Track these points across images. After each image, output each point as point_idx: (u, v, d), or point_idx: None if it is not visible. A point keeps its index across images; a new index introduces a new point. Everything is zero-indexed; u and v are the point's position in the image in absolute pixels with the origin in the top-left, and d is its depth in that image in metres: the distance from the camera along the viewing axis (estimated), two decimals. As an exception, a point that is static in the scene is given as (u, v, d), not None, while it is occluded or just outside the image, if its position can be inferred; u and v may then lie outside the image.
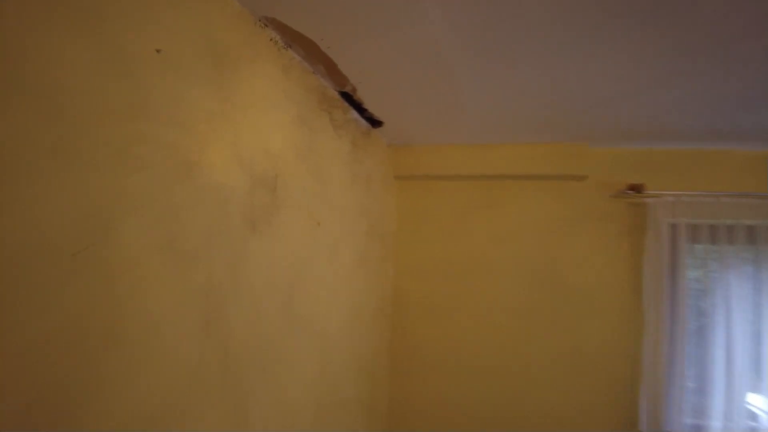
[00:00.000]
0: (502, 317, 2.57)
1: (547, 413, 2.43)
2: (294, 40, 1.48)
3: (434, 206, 2.72)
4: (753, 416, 2.16)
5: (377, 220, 2.44)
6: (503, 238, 2.61)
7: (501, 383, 2.52)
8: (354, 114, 2.07)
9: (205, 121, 1.15)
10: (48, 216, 0.78)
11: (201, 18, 1.14)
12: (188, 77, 1.09)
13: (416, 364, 2.67)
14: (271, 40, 1.42)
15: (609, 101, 1.83)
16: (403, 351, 2.69)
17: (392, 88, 1.83)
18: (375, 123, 2.26)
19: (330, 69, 1.67)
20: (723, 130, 2.11)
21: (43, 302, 0.77)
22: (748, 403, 2.15)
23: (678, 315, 2.24)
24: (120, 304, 0.92)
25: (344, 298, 2.03)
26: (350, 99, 1.95)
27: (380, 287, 2.53)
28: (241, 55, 1.29)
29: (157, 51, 1.00)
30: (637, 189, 2.37)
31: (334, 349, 1.92)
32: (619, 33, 1.31)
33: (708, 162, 2.39)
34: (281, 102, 1.49)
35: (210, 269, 1.17)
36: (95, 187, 0.88)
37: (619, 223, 2.47)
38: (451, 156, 2.60)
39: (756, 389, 2.16)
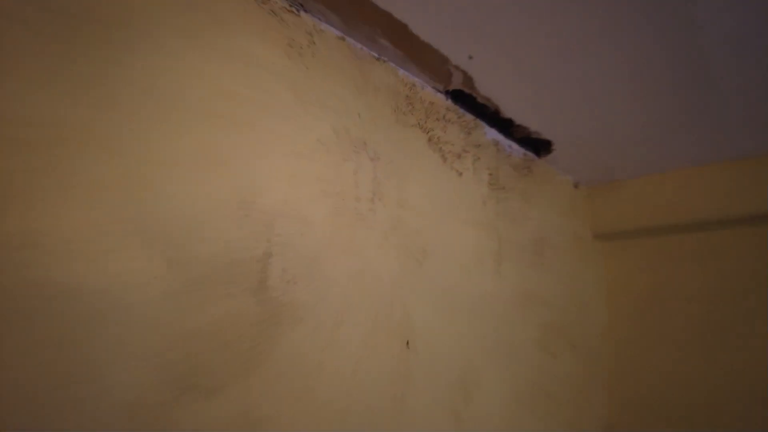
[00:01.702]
0: None
1: None
2: (303, -13, 0.76)
3: (679, 281, 1.45)
4: None
5: (563, 316, 1.36)
6: None
7: None
8: (488, 132, 1.18)
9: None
10: None
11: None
12: None
13: None
14: (246, -10, 0.74)
15: None
16: None
17: (555, 67, 0.91)
18: (538, 146, 1.30)
19: (401, 40, 0.87)
20: None
21: None
22: None
23: None
24: None
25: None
26: (471, 102, 1.09)
27: (586, 441, 1.37)
28: (148, 14, 0.63)
29: None
30: None
31: None
32: None
33: None
34: (288, 106, 0.76)
35: None
36: None
37: None
38: (702, 187, 1.37)
39: None
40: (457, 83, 1.01)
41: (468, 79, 0.98)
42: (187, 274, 0.61)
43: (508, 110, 1.12)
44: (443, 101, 1.05)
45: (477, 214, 1.10)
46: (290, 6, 0.78)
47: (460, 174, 1.07)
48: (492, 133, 1.19)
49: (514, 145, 1.27)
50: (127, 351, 0.54)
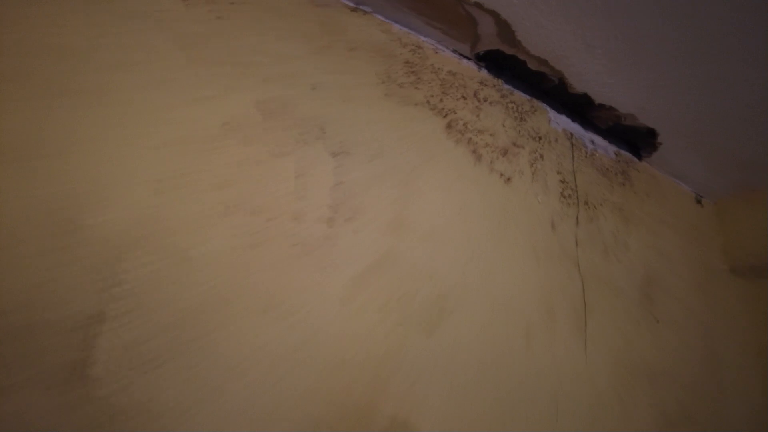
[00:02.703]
0: None
1: None
2: None
3: None
4: None
5: (693, 396, 0.86)
6: None
7: None
8: (555, 118, 0.78)
9: None
10: None
11: None
12: None
13: None
14: None
15: None
16: None
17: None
18: (636, 139, 0.86)
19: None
20: None
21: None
22: None
23: None
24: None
25: None
26: (518, 70, 0.71)
27: None
28: None
29: None
30: None
31: None
32: None
33: None
34: (176, 69, 0.46)
35: None
36: None
37: None
38: None
39: None
40: (489, 38, 0.64)
41: (504, 27, 0.62)
42: None
43: (581, 80, 0.72)
44: (473, 70, 0.69)
45: (542, 240, 0.70)
46: None
47: (508, 180, 0.68)
48: (561, 121, 0.79)
49: (599, 139, 0.85)
50: None
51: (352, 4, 0.60)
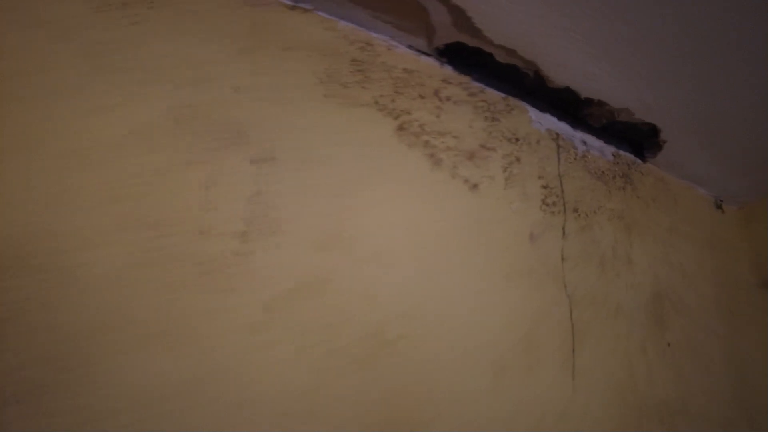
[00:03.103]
0: None
1: None
2: None
3: None
4: None
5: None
6: None
7: None
8: (537, 117, 0.70)
9: None
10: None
11: None
12: None
13: None
14: None
15: None
16: None
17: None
18: (638, 138, 0.76)
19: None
20: None
21: None
22: None
23: None
24: None
25: None
26: (489, 66, 0.64)
27: None
28: None
29: None
30: None
31: None
32: None
33: None
34: (77, 76, 0.44)
35: None
36: None
37: None
38: None
39: None
40: (445, 29, 0.58)
41: (458, 13, 0.56)
42: None
43: (560, 71, 0.64)
44: (435, 67, 0.63)
45: (517, 255, 0.62)
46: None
47: (475, 186, 0.61)
48: (545, 120, 0.72)
49: (592, 140, 0.76)
50: None
51: (290, 3, 0.56)
